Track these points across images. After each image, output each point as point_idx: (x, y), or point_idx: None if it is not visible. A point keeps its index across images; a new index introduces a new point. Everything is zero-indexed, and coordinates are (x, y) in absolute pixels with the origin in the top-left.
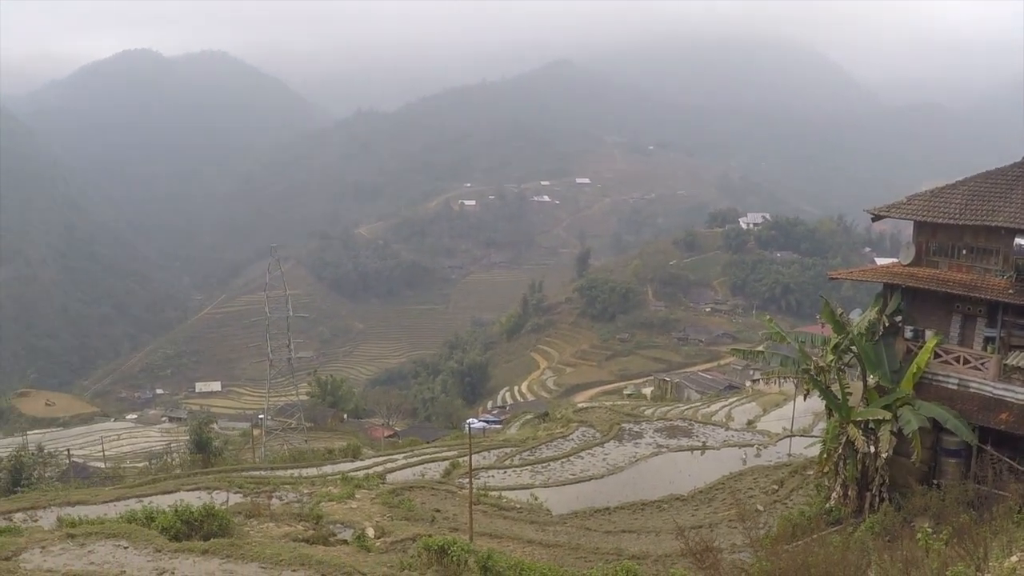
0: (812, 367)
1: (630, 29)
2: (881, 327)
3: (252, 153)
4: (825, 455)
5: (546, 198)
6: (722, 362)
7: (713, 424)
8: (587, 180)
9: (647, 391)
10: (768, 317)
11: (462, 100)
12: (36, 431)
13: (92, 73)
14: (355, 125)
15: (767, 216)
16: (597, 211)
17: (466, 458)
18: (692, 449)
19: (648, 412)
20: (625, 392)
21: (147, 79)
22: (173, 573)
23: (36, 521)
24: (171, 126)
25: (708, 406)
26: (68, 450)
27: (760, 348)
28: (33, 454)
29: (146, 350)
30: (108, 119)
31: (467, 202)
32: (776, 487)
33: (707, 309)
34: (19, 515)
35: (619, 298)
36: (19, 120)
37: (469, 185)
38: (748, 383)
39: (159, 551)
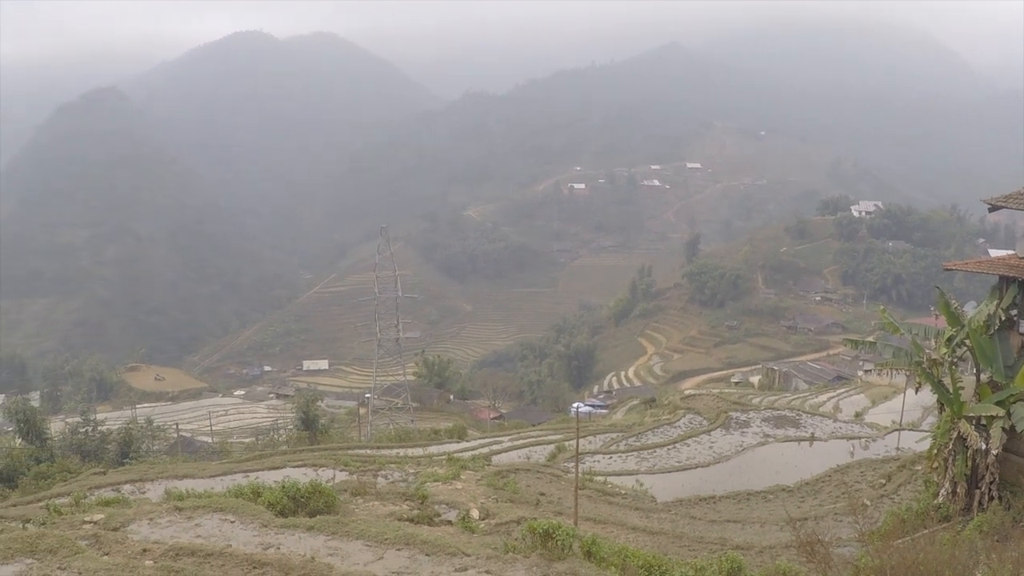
0: (925, 360)
1: (741, 12)
2: (997, 321)
3: (361, 135)
4: (935, 450)
5: (656, 182)
6: (831, 352)
7: (821, 415)
8: (698, 165)
9: (755, 379)
10: (881, 307)
11: (572, 83)
12: (145, 405)
13: (203, 55)
14: (465, 107)
15: (879, 205)
16: (707, 196)
17: (571, 442)
18: (799, 440)
19: (756, 401)
20: (733, 380)
21: (258, 61)
22: (278, 548)
23: (144, 493)
24: (281, 108)
25: (816, 396)
26: (176, 424)
27: (871, 339)
28: (142, 427)
29: (255, 328)
30: (219, 100)
31: (577, 185)
32: (884, 481)
33: (817, 298)
34: (127, 487)
35: (728, 285)
36: (131, 101)
37: (579, 168)
38: (860, 373)
39: (265, 526)
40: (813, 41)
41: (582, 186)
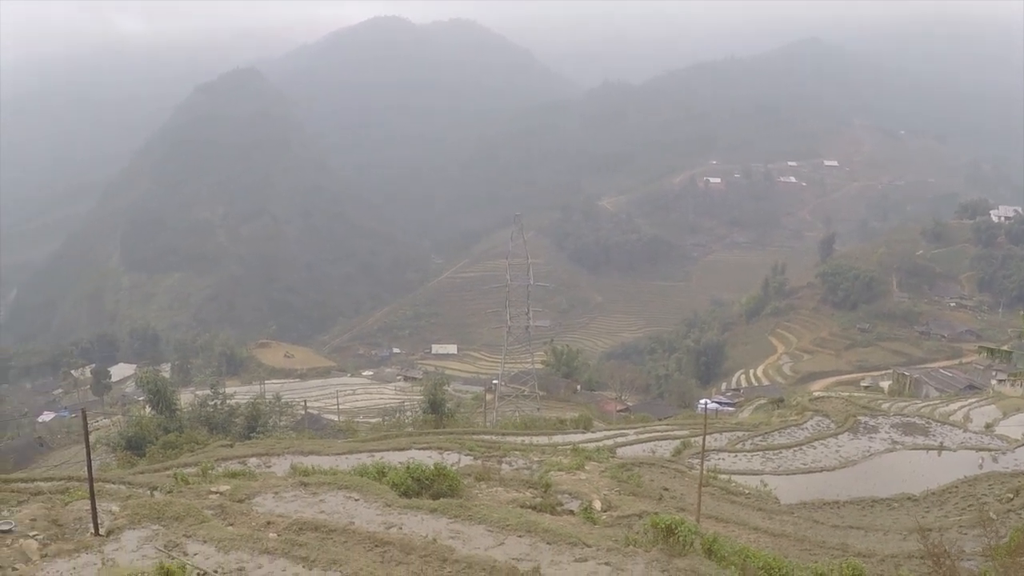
0: None
1: (883, 8)
2: None
3: (495, 122)
4: None
5: (792, 179)
6: (964, 360)
7: (951, 424)
8: (835, 163)
9: (885, 384)
10: (1023, 313)
11: (709, 76)
12: (274, 381)
13: (342, 39)
14: (602, 96)
15: (1019, 210)
16: (844, 195)
17: (697, 438)
18: (928, 448)
19: (885, 406)
20: (862, 384)
21: (395, 46)
22: (401, 528)
23: (269, 467)
24: (417, 94)
25: (946, 405)
26: (304, 401)
27: (1007, 348)
28: (270, 403)
29: (386, 309)
30: (355, 84)
31: (712, 179)
32: (1011, 496)
33: (952, 303)
34: (253, 460)
35: (862, 286)
36: (269, 82)
37: (715, 162)
38: (993, 383)
39: (388, 506)
40: (954, 40)
41: (718, 180)
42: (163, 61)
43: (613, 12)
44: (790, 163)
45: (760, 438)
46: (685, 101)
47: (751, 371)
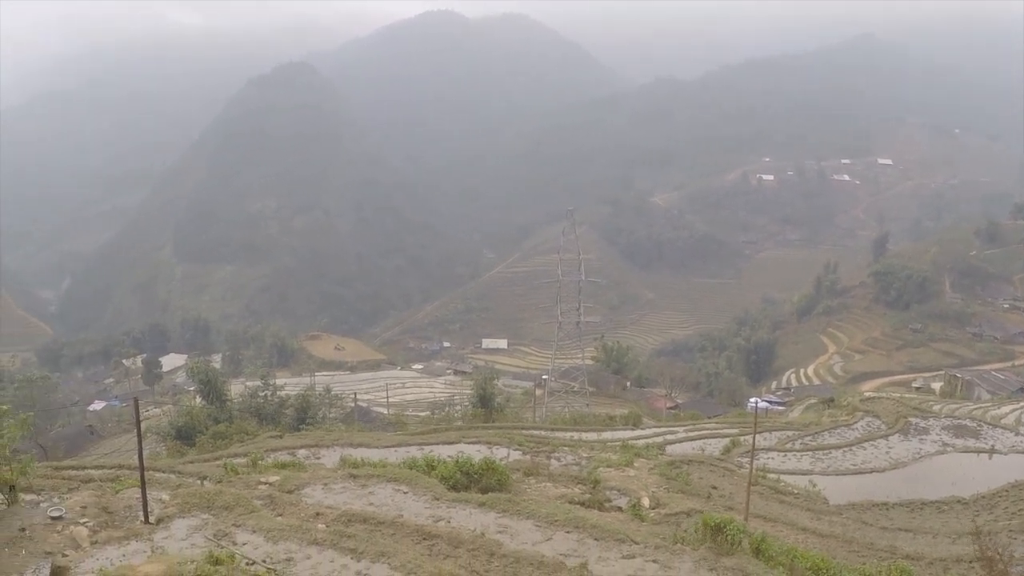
0: None
1: (937, 4)
2: None
3: (547, 116)
4: None
5: (846, 177)
6: (1017, 362)
7: (1002, 427)
8: (889, 161)
9: (936, 386)
10: None
11: (762, 71)
12: (324, 373)
13: (394, 32)
14: (654, 91)
15: None
16: (898, 194)
17: (747, 437)
18: (979, 451)
19: (936, 408)
20: (913, 385)
21: (448, 40)
22: (449, 522)
23: (319, 459)
24: (468, 87)
25: (998, 407)
26: (354, 394)
27: None
28: (320, 394)
29: (436, 303)
30: (407, 78)
31: (765, 176)
32: None
33: (1005, 305)
34: (303, 451)
35: (914, 286)
36: (321, 75)
37: (767, 159)
38: None
39: (437, 499)
40: (1009, 38)
41: (770, 177)
42: (216, 54)
43: (665, 8)
44: (843, 161)
45: (810, 438)
46: (737, 97)
47: (802, 370)
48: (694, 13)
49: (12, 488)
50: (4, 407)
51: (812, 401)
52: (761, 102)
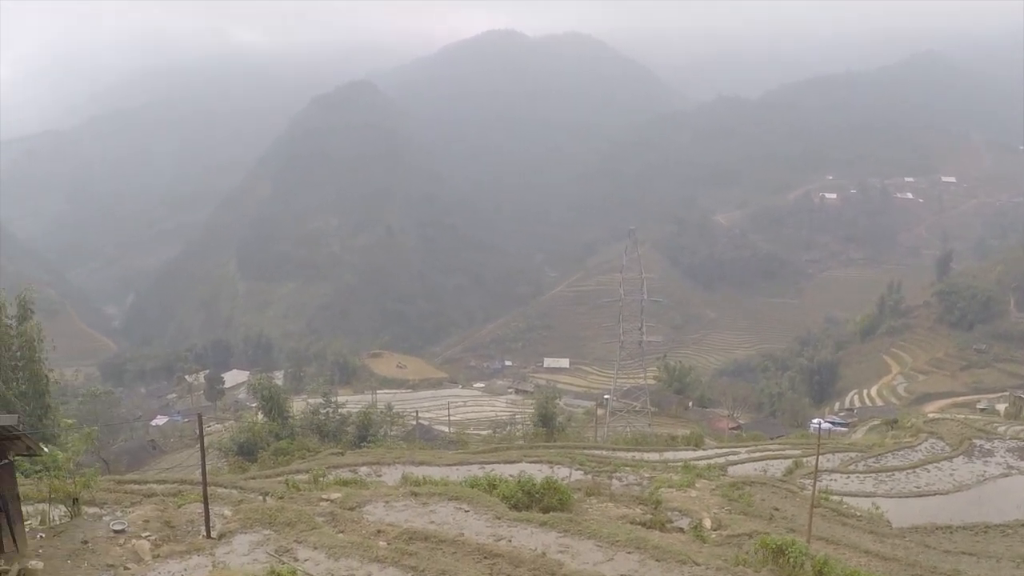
0: None
1: (1002, 19)
2: None
3: (608, 135)
4: None
5: (909, 195)
6: None
7: None
8: (953, 179)
9: (1001, 407)
10: None
11: (824, 89)
12: (385, 391)
13: (456, 51)
14: (715, 110)
15: None
16: (962, 212)
17: (809, 458)
18: None
19: (1001, 429)
20: (978, 406)
21: (509, 59)
22: (510, 541)
23: (380, 476)
24: (530, 107)
25: None
26: (416, 412)
27: None
28: (381, 412)
29: (498, 322)
30: (469, 97)
31: (828, 195)
32: None
33: None
34: (364, 469)
35: (979, 306)
36: (384, 94)
37: (830, 177)
38: None
39: (499, 518)
40: None
41: (833, 196)
42: (280, 73)
43: (728, 26)
44: (907, 179)
45: (873, 459)
46: (799, 115)
47: (864, 391)
48: (756, 30)
49: (75, 501)
50: (69, 421)
51: (875, 422)
52: (823, 120)
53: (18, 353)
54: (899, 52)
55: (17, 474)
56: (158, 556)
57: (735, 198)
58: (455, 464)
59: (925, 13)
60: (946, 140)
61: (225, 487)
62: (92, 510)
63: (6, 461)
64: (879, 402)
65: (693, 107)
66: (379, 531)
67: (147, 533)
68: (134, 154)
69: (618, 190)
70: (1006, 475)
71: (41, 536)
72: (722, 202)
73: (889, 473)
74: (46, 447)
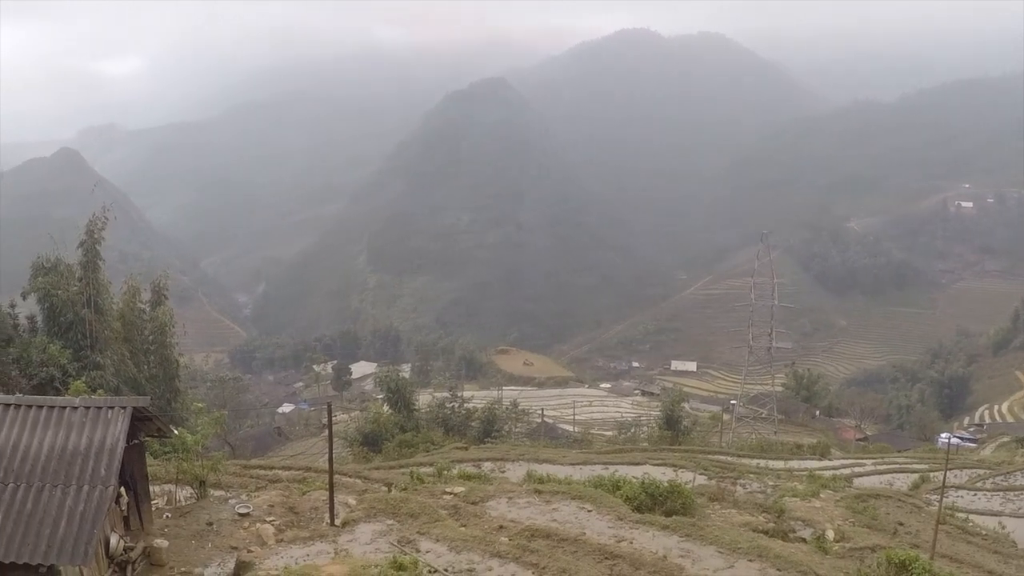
0: None
1: None
2: None
3: (742, 137)
4: None
5: None
6: None
7: None
8: None
9: None
10: None
11: (963, 94)
12: (511, 387)
13: (589, 50)
14: (851, 115)
15: None
16: None
17: (937, 474)
18: None
19: None
20: None
21: (642, 59)
22: (631, 543)
23: (503, 472)
24: (664, 105)
25: None
26: (542, 410)
27: None
28: (506, 408)
29: (627, 323)
30: (602, 96)
31: (964, 203)
32: None
33: None
34: (488, 464)
35: None
36: (517, 91)
37: (968, 186)
38: None
39: (621, 519)
40: None
41: (969, 204)
42: (415, 68)
43: (865, 27)
44: None
45: (1001, 477)
46: (937, 120)
47: (995, 407)
48: (895, 28)
49: (202, 483)
50: (200, 404)
51: (1005, 439)
52: (963, 126)
53: (150, 337)
54: None
55: (147, 455)
56: (281, 541)
57: (869, 204)
58: (579, 463)
59: None
60: None
61: (349, 476)
62: (218, 493)
63: (136, 441)
64: (1010, 419)
65: (827, 110)
66: (501, 527)
67: (271, 518)
68: (268, 147)
69: (750, 194)
70: None
71: (167, 516)
72: (856, 209)
73: (1017, 492)
74: (176, 430)
